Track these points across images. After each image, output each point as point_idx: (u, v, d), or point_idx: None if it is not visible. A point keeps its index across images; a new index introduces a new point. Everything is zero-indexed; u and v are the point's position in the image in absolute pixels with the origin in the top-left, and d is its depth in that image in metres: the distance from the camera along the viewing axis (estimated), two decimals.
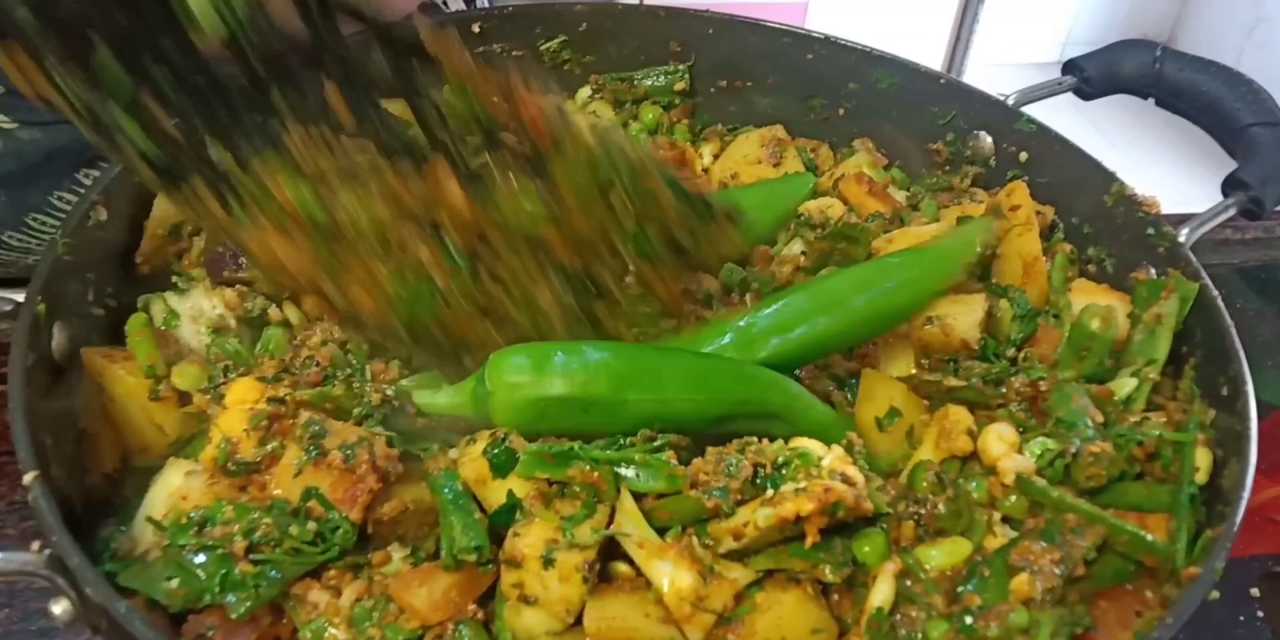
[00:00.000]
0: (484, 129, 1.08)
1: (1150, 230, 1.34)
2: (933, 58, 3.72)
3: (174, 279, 1.24)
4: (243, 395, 1.08)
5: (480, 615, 1.00)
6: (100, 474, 1.14)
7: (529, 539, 0.98)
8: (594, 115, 1.60)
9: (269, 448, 1.05)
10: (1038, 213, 1.41)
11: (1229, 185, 1.40)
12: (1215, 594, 0.95)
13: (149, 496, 1.06)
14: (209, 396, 1.13)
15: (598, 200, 1.10)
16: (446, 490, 1.03)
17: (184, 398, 1.16)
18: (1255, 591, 1.39)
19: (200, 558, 0.96)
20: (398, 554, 1.02)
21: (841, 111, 1.66)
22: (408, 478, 1.05)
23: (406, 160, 1.06)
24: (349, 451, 1.01)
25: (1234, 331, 1.18)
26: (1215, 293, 1.23)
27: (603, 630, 0.96)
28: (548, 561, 0.96)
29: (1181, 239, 1.31)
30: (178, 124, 1.00)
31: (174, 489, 1.03)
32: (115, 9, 0.94)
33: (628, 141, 1.10)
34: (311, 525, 0.99)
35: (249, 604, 0.96)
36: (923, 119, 1.60)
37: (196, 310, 1.20)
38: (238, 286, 1.23)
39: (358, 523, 1.00)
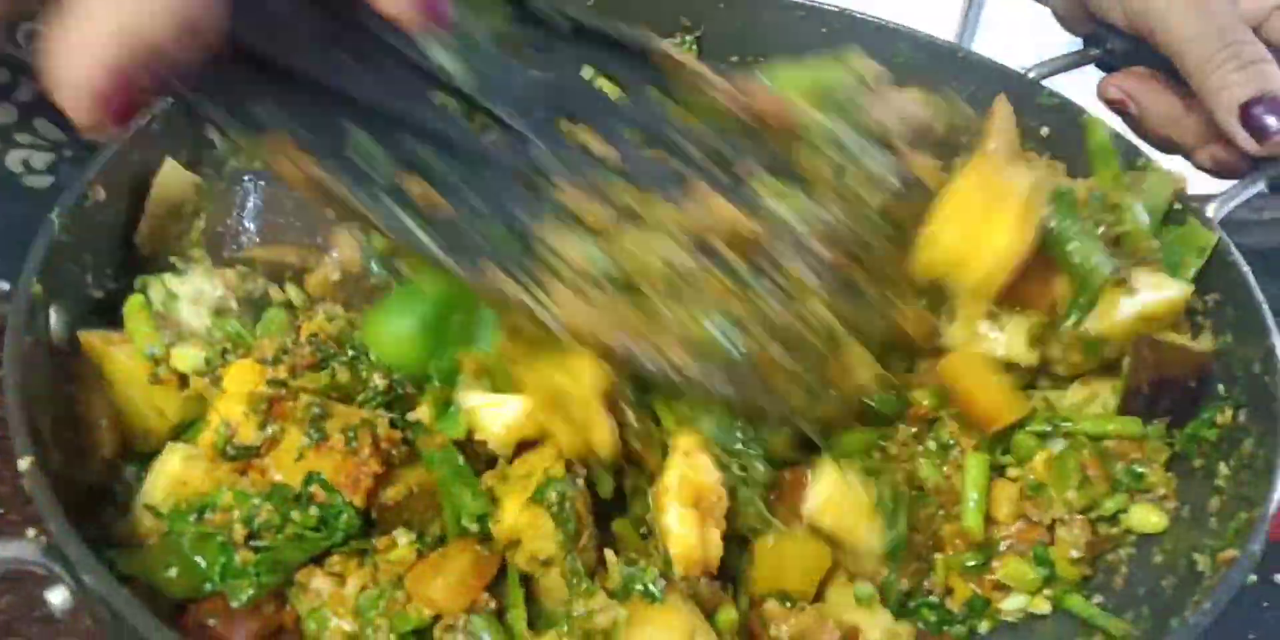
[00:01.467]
0: (730, 134, 1.02)
1: (1177, 205, 1.30)
2: (945, 29, 3.68)
3: (173, 260, 1.21)
4: (242, 378, 1.05)
5: (493, 605, 0.98)
6: (100, 459, 1.11)
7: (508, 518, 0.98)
8: None
9: (269, 431, 1.02)
10: None
11: (1259, 159, 1.36)
12: (1252, 578, 0.92)
13: (148, 482, 1.03)
14: (207, 380, 1.10)
15: (848, 190, 1.05)
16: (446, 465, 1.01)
17: (184, 381, 1.13)
18: None
19: (201, 545, 0.94)
20: (403, 539, 1.00)
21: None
22: (411, 461, 1.02)
23: (671, 188, 0.98)
24: (351, 434, 0.99)
25: (1266, 307, 1.14)
26: (1246, 268, 1.19)
27: None
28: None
29: (1210, 214, 1.27)
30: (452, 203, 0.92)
31: (174, 474, 1.01)
32: (365, 79, 0.88)
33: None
34: (314, 511, 0.96)
35: (251, 593, 0.93)
36: (941, 95, 1.56)
37: (196, 292, 1.17)
38: (238, 267, 1.20)
39: (361, 507, 0.98)
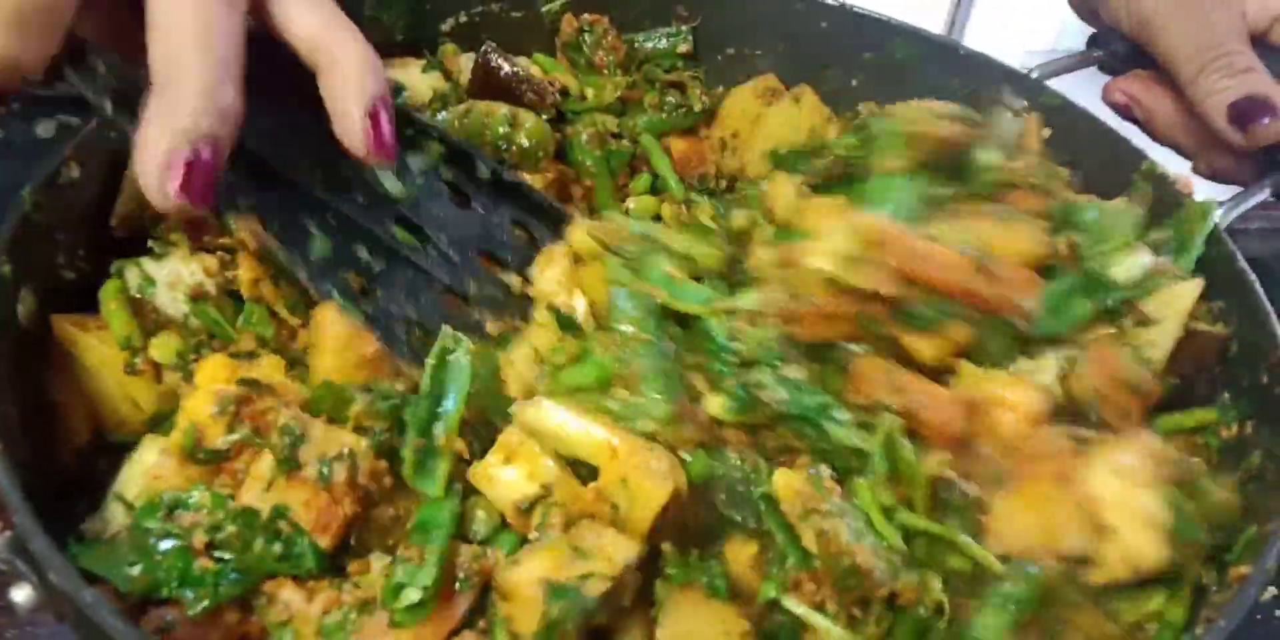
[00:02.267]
0: None
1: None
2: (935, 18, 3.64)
3: (150, 243, 1.16)
4: (212, 374, 1.00)
5: None
6: (71, 450, 1.07)
7: (526, 572, 0.88)
8: None
9: (237, 435, 0.95)
10: None
11: (1266, 166, 1.34)
12: (1273, 590, 0.90)
13: (122, 474, 0.98)
14: (180, 374, 1.05)
15: None
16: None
17: (161, 371, 1.09)
18: None
19: (165, 545, 0.89)
20: (378, 563, 0.93)
21: (855, 83, 1.58)
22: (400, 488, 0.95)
23: None
24: (326, 468, 0.91)
25: (1275, 317, 1.12)
26: (1253, 276, 1.17)
27: None
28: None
29: (1215, 220, 1.25)
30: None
31: (148, 467, 0.96)
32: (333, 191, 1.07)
33: None
34: (278, 547, 0.90)
35: (205, 603, 0.88)
36: (941, 93, 1.52)
37: (174, 276, 1.12)
38: (219, 253, 1.15)
39: (328, 550, 0.91)
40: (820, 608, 0.92)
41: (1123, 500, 0.97)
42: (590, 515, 0.93)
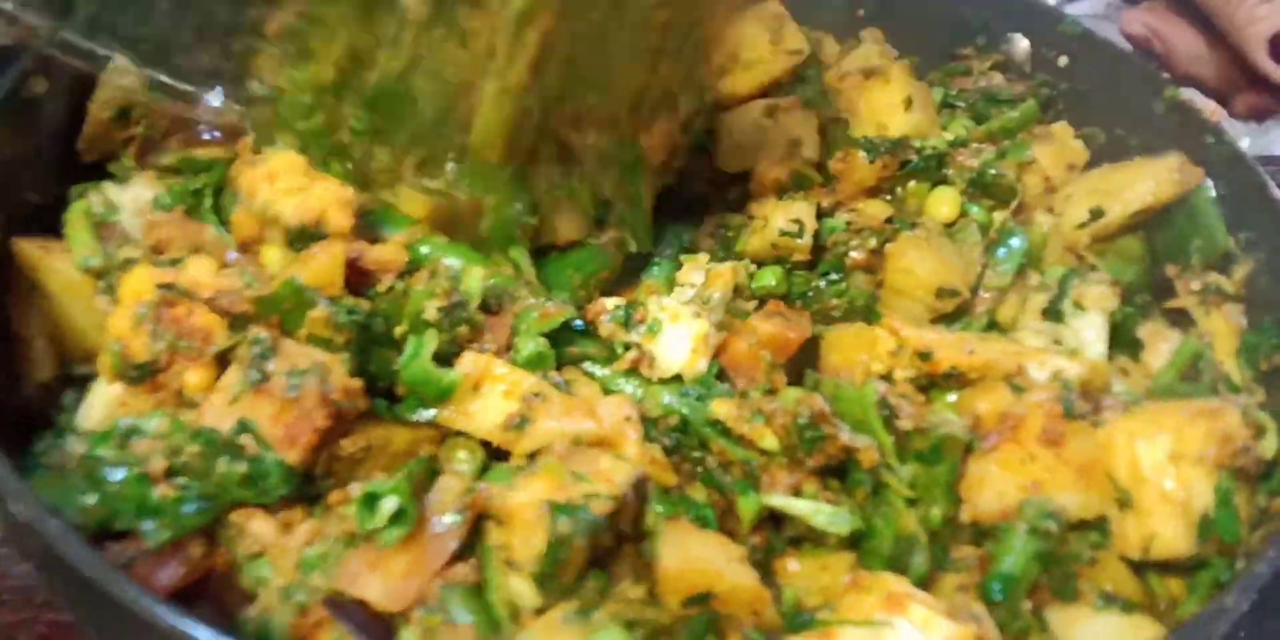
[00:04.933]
0: None
1: (1210, 138, 1.21)
2: None
3: (111, 168, 1.09)
4: (135, 287, 0.91)
5: (472, 578, 0.85)
6: (36, 383, 1.01)
7: (526, 494, 0.84)
8: None
9: (162, 344, 0.88)
10: None
11: None
12: None
13: (85, 404, 0.94)
14: (107, 296, 0.97)
15: None
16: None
17: None
18: None
19: (118, 474, 0.83)
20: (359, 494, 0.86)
21: (861, 12, 1.51)
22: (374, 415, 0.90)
23: None
24: (295, 380, 0.84)
25: None
26: None
27: (685, 573, 0.82)
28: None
29: (1245, 147, 1.19)
30: None
31: (113, 396, 0.90)
32: None
33: None
34: (241, 466, 0.83)
35: (167, 534, 0.82)
36: (953, 20, 1.46)
37: (139, 201, 1.05)
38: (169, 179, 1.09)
39: (296, 466, 0.84)
40: (797, 493, 0.90)
41: (1159, 477, 0.92)
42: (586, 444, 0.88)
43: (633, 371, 1.00)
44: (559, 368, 1.00)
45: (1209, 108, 1.27)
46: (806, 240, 1.20)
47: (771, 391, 1.00)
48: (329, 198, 1.00)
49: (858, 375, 1.04)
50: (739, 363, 1.04)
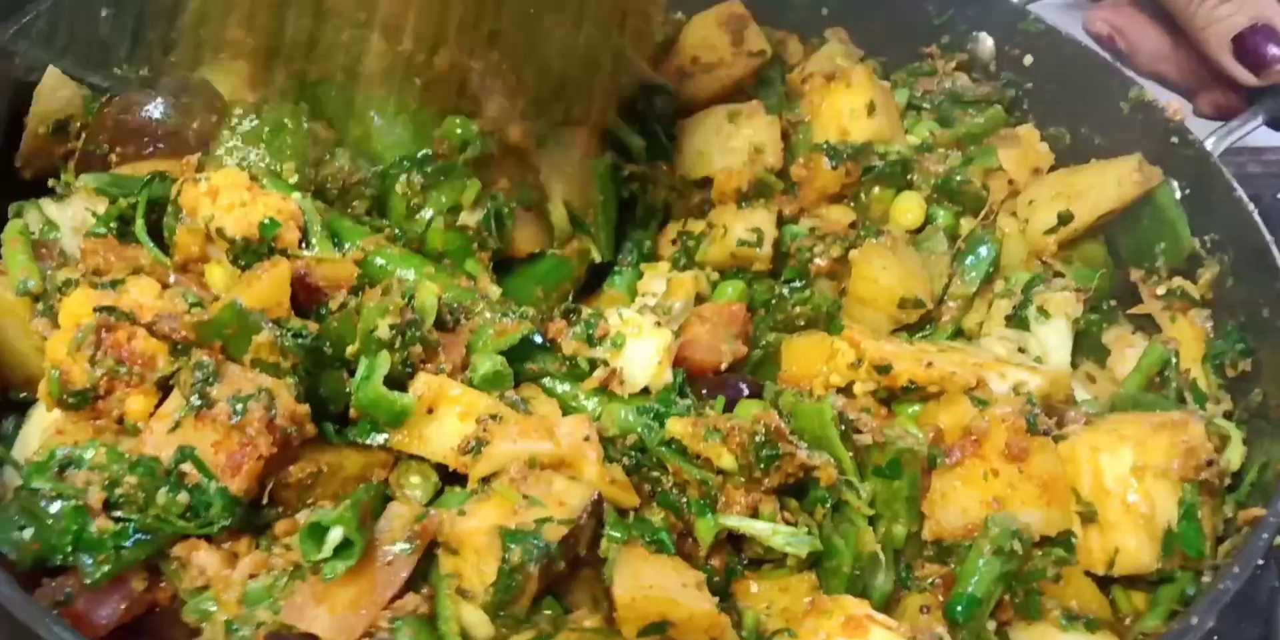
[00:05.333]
0: None
1: (1174, 138, 1.20)
2: None
3: (51, 183, 1.06)
4: (75, 310, 0.88)
5: (424, 609, 0.82)
6: None
7: (476, 520, 0.82)
8: None
9: (100, 370, 0.85)
10: None
11: (1257, 93, 1.26)
12: None
13: (22, 432, 0.91)
14: (46, 319, 0.94)
15: None
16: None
17: None
18: None
19: (55, 506, 0.80)
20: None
21: (825, 11, 1.49)
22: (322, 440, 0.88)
23: None
24: (239, 405, 0.81)
25: (1276, 248, 1.06)
26: (1253, 207, 1.10)
27: (637, 601, 0.80)
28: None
29: (1209, 147, 1.18)
30: None
31: (48, 424, 0.87)
32: None
33: None
34: (183, 496, 0.81)
35: (106, 569, 0.80)
36: (916, 18, 1.44)
37: (80, 219, 1.02)
38: None
39: (240, 495, 0.82)
40: (755, 514, 0.89)
41: (1123, 490, 0.91)
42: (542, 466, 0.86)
43: (600, 389, 0.99)
44: (516, 385, 0.98)
45: (1173, 106, 1.24)
46: (766, 250, 1.18)
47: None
48: (272, 211, 0.98)
49: (817, 386, 1.02)
50: (702, 342, 1.06)
